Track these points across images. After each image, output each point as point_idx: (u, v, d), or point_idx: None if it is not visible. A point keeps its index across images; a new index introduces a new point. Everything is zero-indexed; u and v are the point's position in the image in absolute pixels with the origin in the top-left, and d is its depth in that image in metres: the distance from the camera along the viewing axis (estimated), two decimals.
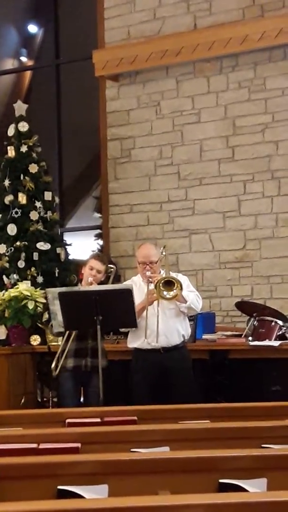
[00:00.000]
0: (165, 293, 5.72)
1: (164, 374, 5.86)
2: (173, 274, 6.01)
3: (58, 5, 9.84)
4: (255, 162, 8.10)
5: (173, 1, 8.49)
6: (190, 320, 6.36)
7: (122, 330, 6.48)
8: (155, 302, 5.83)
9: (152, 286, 5.80)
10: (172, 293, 5.73)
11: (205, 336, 7.08)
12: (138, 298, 5.76)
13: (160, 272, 6.02)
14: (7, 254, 8.17)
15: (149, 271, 5.95)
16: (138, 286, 5.94)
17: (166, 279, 5.80)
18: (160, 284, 5.73)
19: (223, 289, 8.20)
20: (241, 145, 8.19)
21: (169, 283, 5.76)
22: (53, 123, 9.69)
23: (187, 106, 8.48)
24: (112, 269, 6.55)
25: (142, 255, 6.09)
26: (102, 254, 8.11)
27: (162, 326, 5.81)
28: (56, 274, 8.24)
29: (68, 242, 8.87)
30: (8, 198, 8.33)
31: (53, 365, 6.02)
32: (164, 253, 6.20)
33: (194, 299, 5.97)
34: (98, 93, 9.04)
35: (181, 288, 5.74)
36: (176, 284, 5.73)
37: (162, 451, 3.08)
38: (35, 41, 10.52)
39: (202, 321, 7.06)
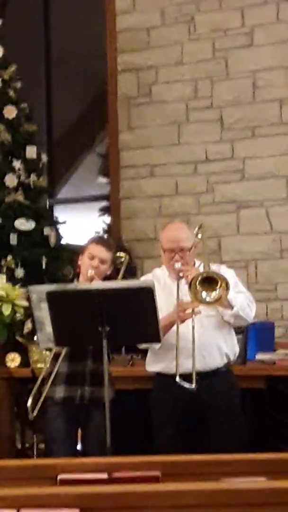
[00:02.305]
0: (203, 295, 5.70)
1: (199, 410, 5.85)
2: (214, 267, 6.02)
3: None
4: None
5: None
6: (237, 333, 6.36)
7: (139, 346, 6.47)
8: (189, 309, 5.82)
9: (185, 287, 5.80)
10: (214, 295, 5.69)
11: (259, 356, 7.10)
12: (163, 300, 5.69)
13: (195, 265, 6.03)
14: None
15: (179, 262, 5.95)
16: (163, 284, 5.92)
17: (205, 275, 5.78)
18: (197, 283, 5.72)
19: (286, 287, 8.21)
20: None
21: (209, 281, 5.73)
22: (39, 48, 9.74)
23: (235, 23, 8.49)
24: (122, 259, 6.55)
25: (169, 239, 6.06)
26: (108, 238, 8.14)
27: (197, 342, 5.80)
28: (44, 265, 8.28)
29: (60, 220, 8.90)
30: None
31: (29, 401, 6.05)
32: (200, 235, 6.19)
33: (244, 304, 5.93)
34: (104, 3, 9.05)
35: (227, 288, 5.71)
36: (220, 283, 5.70)
37: None
38: None
39: (256, 335, 7.08)
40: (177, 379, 5.64)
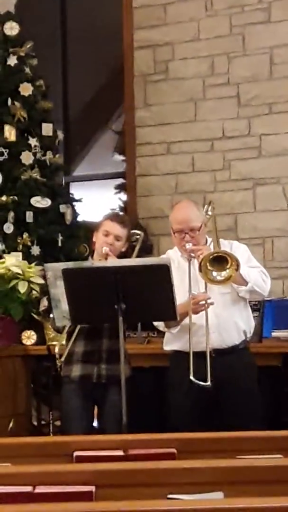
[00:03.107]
0: (214, 274, 5.68)
1: (216, 387, 5.82)
2: (226, 244, 5.99)
3: None
4: None
5: None
6: (254, 310, 6.35)
7: (155, 324, 6.46)
8: (202, 284, 5.83)
9: (196, 267, 5.77)
10: (224, 274, 5.67)
11: (276, 333, 7.10)
12: (178, 280, 5.68)
13: (207, 242, 6.02)
14: None
15: (190, 243, 5.93)
16: (177, 264, 5.86)
17: (215, 254, 5.76)
18: (208, 262, 5.70)
19: None
20: None
21: (220, 260, 5.71)
22: (54, 24, 9.70)
23: None
24: (138, 236, 6.52)
25: (177, 220, 6.02)
26: (123, 214, 8.12)
27: (213, 319, 5.79)
28: (60, 243, 8.29)
29: (76, 197, 8.91)
30: None
31: (62, 361, 6.03)
32: (210, 213, 6.16)
33: (258, 278, 5.91)
34: None
35: (238, 268, 5.70)
36: (230, 261, 5.69)
37: (213, 499, 3.08)
38: None
39: (272, 312, 7.08)
40: (191, 377, 5.68)
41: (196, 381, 5.52)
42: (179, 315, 5.59)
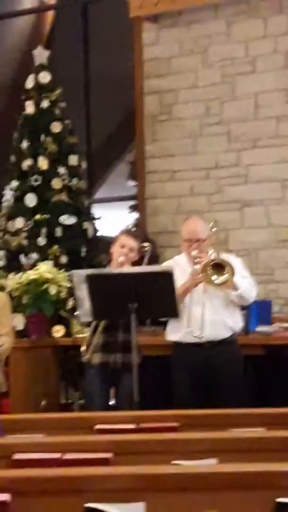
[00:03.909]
0: (214, 278, 5.71)
1: (210, 372, 5.85)
2: (224, 256, 6.01)
3: None
4: None
5: None
6: (242, 309, 6.35)
7: (161, 319, 6.45)
8: (201, 287, 5.82)
9: (200, 272, 5.79)
10: (222, 279, 5.71)
11: (259, 329, 7.08)
12: (182, 280, 5.73)
13: (208, 253, 6.02)
14: (25, 229, 8.23)
15: (196, 251, 5.95)
16: (182, 268, 5.89)
17: (216, 261, 5.78)
18: (209, 267, 5.72)
19: (282, 272, 8.17)
20: None
21: (219, 267, 5.73)
22: (79, 74, 9.70)
23: (240, 53, 8.43)
24: (147, 248, 6.53)
25: (188, 231, 6.08)
26: (135, 230, 8.12)
27: (208, 317, 5.79)
28: (83, 254, 8.30)
29: (96, 216, 8.89)
30: (27, 163, 8.38)
31: (86, 350, 6.02)
32: (214, 229, 6.17)
33: (247, 288, 5.95)
34: (133, 37, 9.01)
35: (233, 274, 5.71)
36: (227, 268, 5.71)
37: (209, 464, 3.08)
38: None
39: (257, 311, 7.06)
40: (187, 329, 5.75)
41: (194, 335, 5.71)
42: (181, 293, 5.71)
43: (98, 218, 8.83)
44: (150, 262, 6.48)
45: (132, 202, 9.38)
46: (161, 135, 8.81)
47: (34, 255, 8.07)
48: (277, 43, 8.23)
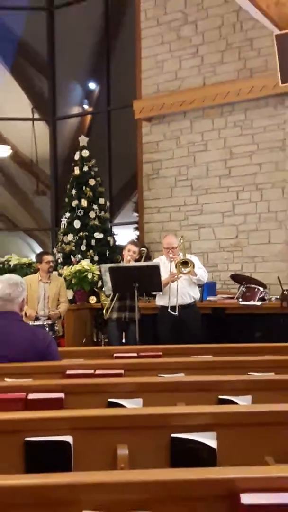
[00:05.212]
0: (183, 269, 5.73)
1: (180, 323, 5.84)
2: (188, 256, 5.99)
3: (110, 69, 9.78)
4: (245, 178, 8.00)
5: (189, 66, 8.39)
6: (199, 287, 6.35)
7: (152, 293, 6.46)
8: (175, 275, 5.81)
9: (173, 265, 5.80)
10: (187, 269, 5.73)
11: (209, 298, 7.08)
12: (163, 271, 5.69)
13: (179, 255, 6.00)
14: (73, 241, 8.21)
15: (171, 254, 5.94)
16: (163, 263, 5.89)
17: (183, 260, 5.79)
18: (179, 263, 5.73)
19: (222, 265, 8.13)
20: (235, 166, 8.08)
21: (185, 263, 5.75)
22: (105, 151, 9.64)
23: (198, 139, 8.38)
24: (144, 251, 6.52)
25: (166, 242, 6.08)
26: (137, 241, 8.13)
27: (179, 290, 5.79)
28: (107, 255, 8.27)
29: (115, 233, 8.85)
30: (75, 203, 8.36)
31: (109, 311, 6.03)
32: (181, 241, 6.17)
33: (202, 274, 5.95)
34: (136, 130, 8.96)
35: (194, 266, 5.72)
36: (190, 264, 5.72)
37: (179, 376, 3.08)
38: (93, 93, 10.47)
39: (207, 288, 7.06)
40: (169, 310, 5.69)
41: (171, 311, 5.72)
42: (164, 284, 5.67)
43: (116, 234, 8.80)
44: (145, 260, 6.48)
45: (135, 225, 9.35)
46: (152, 186, 8.78)
47: (79, 256, 8.06)
48: (220, 134, 8.20)
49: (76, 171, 8.47)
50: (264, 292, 6.63)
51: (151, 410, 2.26)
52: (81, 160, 8.48)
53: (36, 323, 5.86)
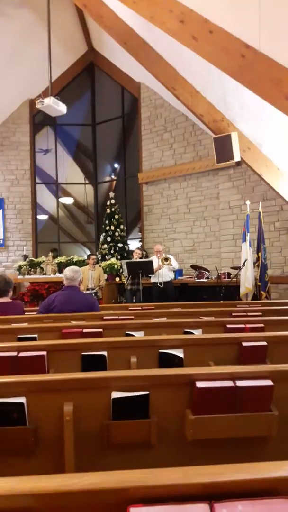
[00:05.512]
0: (165, 262, 5.68)
1: (164, 292, 5.81)
2: (168, 255, 5.95)
3: (126, 156, 9.63)
4: (197, 213, 7.81)
5: (167, 154, 8.25)
6: (173, 272, 6.30)
7: (149, 275, 6.41)
8: (161, 264, 5.76)
9: (160, 261, 5.74)
10: (167, 262, 5.69)
11: (179, 278, 7.01)
12: (155, 263, 5.66)
13: (163, 255, 5.96)
14: (106, 248, 8.11)
15: (159, 254, 5.90)
16: (155, 259, 5.81)
17: (165, 257, 5.74)
18: (163, 259, 5.69)
19: (186, 260, 7.96)
20: (192, 207, 7.88)
21: (166, 259, 5.70)
22: (123, 200, 9.47)
23: (172, 193, 8.20)
24: (144, 253, 6.47)
25: (156, 248, 6.04)
26: (141, 247, 8.04)
27: (163, 273, 5.76)
28: (124, 255, 8.15)
29: (129, 243, 8.72)
30: (107, 227, 8.28)
31: (126, 285, 5.94)
32: (164, 247, 6.13)
33: (175, 265, 5.90)
34: (140, 190, 8.84)
35: (171, 261, 5.68)
36: (168, 260, 5.68)
37: (163, 319, 2.95)
38: (116, 169, 10.30)
39: (178, 272, 6.97)
40: (158, 284, 5.63)
41: (160, 285, 5.58)
42: (155, 270, 5.58)
43: (129, 244, 8.69)
44: (145, 258, 6.42)
45: (139, 239, 9.20)
46: (148, 218, 8.63)
47: (110, 256, 8.00)
48: (184, 190, 8.01)
49: (108, 210, 8.38)
50: (208, 274, 6.61)
51: (149, 337, 2.22)
52: (110, 205, 8.39)
53: (87, 292, 5.86)
